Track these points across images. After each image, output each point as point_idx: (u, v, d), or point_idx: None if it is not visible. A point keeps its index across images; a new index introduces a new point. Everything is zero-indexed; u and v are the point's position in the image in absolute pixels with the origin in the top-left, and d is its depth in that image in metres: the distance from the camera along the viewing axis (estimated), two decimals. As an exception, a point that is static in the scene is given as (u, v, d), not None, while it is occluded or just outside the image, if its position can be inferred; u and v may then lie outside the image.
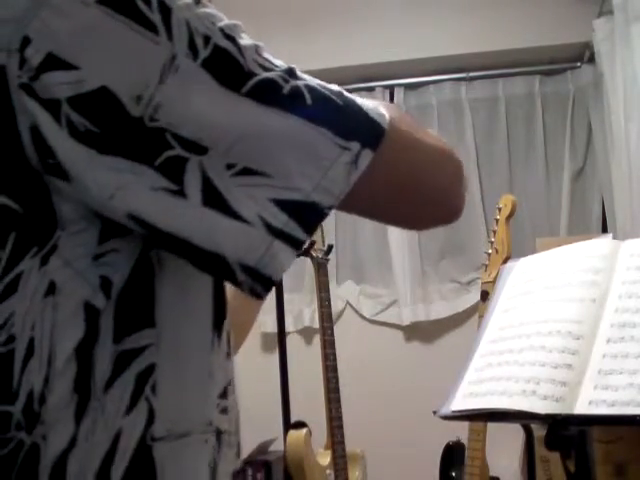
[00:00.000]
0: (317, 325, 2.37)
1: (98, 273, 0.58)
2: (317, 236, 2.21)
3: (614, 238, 1.60)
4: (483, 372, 1.13)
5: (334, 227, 3.10)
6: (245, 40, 0.58)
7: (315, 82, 0.61)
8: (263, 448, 2.74)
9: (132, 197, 0.55)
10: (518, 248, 2.01)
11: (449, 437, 2.23)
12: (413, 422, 2.82)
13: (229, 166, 0.56)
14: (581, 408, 0.94)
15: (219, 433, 0.67)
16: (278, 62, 0.60)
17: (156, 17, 0.55)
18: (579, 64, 3.03)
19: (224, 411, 0.69)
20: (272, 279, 0.58)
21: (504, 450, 2.41)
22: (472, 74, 3.11)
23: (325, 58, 3.00)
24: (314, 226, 0.59)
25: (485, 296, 1.96)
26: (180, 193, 0.55)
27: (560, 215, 3.03)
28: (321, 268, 2.22)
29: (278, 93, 0.58)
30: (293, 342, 2.92)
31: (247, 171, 0.56)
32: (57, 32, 0.53)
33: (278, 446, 2.49)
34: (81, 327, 0.57)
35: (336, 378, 2.20)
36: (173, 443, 0.61)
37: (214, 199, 0.56)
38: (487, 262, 2.02)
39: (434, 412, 1.17)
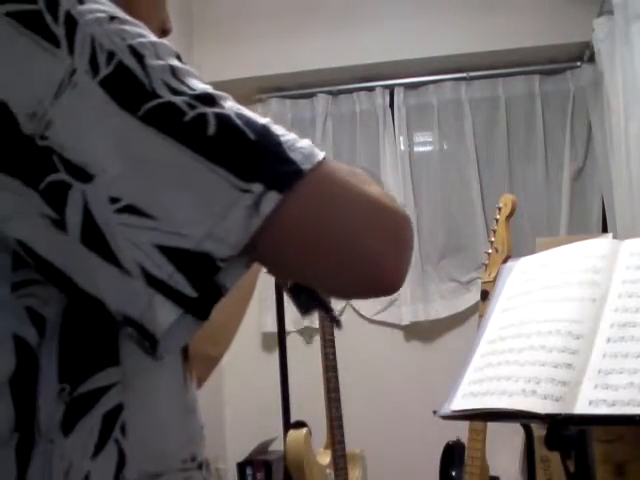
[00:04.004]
0: (317, 325, 2.36)
1: (22, 304, 0.54)
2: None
3: (614, 238, 1.60)
4: (483, 372, 1.13)
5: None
6: (160, 61, 0.52)
7: (234, 111, 0.52)
8: (263, 448, 2.75)
9: (23, 223, 0.51)
10: (518, 248, 2.01)
11: (449, 437, 2.23)
12: (413, 422, 2.82)
13: (113, 200, 0.50)
14: (581, 408, 0.94)
15: (207, 465, 0.65)
16: (199, 86, 0.53)
17: (60, 30, 0.51)
18: (579, 64, 3.03)
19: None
20: (156, 338, 0.51)
21: (504, 450, 2.41)
22: (472, 74, 3.11)
23: (325, 58, 3.00)
24: (205, 281, 0.50)
25: (485, 296, 1.96)
26: (61, 225, 0.50)
27: (560, 215, 3.03)
28: (321, 268, 2.22)
29: (177, 120, 0.51)
30: (293, 342, 2.92)
31: (131, 209, 0.50)
32: None
33: (278, 446, 2.50)
34: (12, 359, 0.54)
35: (336, 378, 2.20)
36: None
37: (93, 238, 0.50)
38: (487, 262, 2.02)
39: (434, 412, 1.17)
